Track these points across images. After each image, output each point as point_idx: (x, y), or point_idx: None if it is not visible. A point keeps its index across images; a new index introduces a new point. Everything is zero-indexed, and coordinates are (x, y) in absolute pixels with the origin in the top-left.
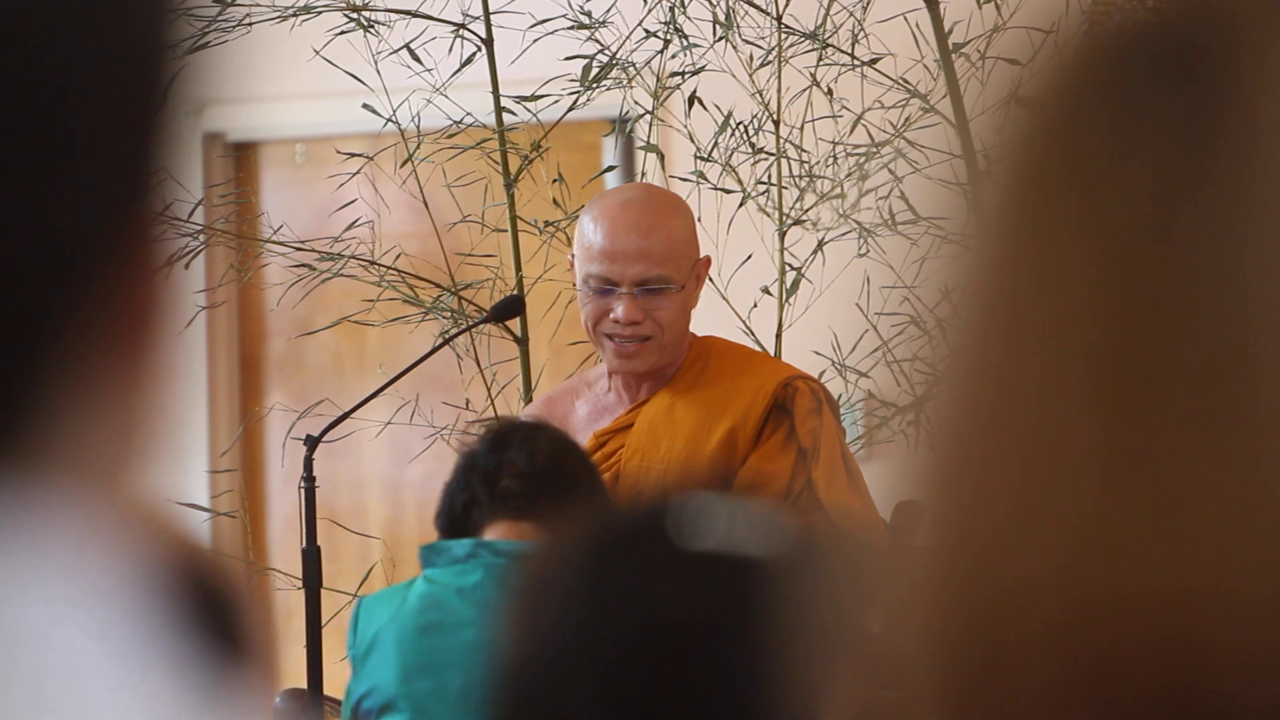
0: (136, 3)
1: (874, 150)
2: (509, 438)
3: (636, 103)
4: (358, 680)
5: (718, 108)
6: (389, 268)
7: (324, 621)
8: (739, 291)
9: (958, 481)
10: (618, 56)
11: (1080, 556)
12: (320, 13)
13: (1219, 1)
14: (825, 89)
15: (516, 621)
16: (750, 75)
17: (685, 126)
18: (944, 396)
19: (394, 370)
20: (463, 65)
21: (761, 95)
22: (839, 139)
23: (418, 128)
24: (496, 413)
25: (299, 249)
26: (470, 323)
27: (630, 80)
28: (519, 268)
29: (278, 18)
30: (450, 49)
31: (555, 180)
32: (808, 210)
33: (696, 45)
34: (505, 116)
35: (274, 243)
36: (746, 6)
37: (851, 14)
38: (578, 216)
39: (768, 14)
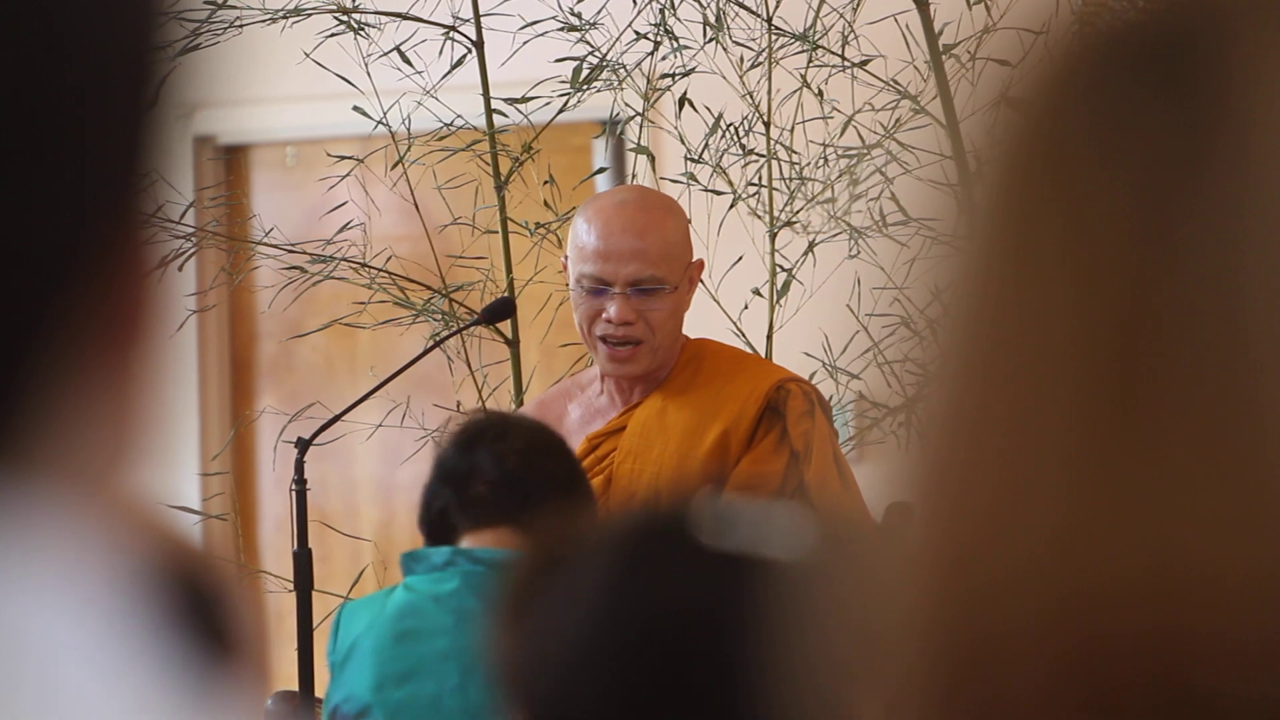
0: (127, 5)
1: (864, 152)
2: (478, 439)
3: (627, 104)
4: (335, 686)
5: (708, 109)
6: (380, 270)
7: (315, 624)
8: (730, 293)
9: (943, 476)
10: (608, 58)
11: (1065, 549)
12: (310, 15)
13: (1210, 1)
14: (816, 90)
15: (526, 626)
16: (740, 77)
17: (676, 128)
18: (932, 396)
19: (385, 373)
20: (453, 67)
21: (752, 97)
22: (829, 140)
23: (408, 130)
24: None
25: (290, 251)
26: (461, 325)
27: (621, 82)
28: (510, 270)
29: (268, 20)
30: (440, 51)
31: (546, 182)
32: (798, 212)
33: (687, 47)
34: (496, 118)
35: (265, 245)
36: (736, 8)
37: (842, 15)
38: (569, 218)
39: (758, 15)
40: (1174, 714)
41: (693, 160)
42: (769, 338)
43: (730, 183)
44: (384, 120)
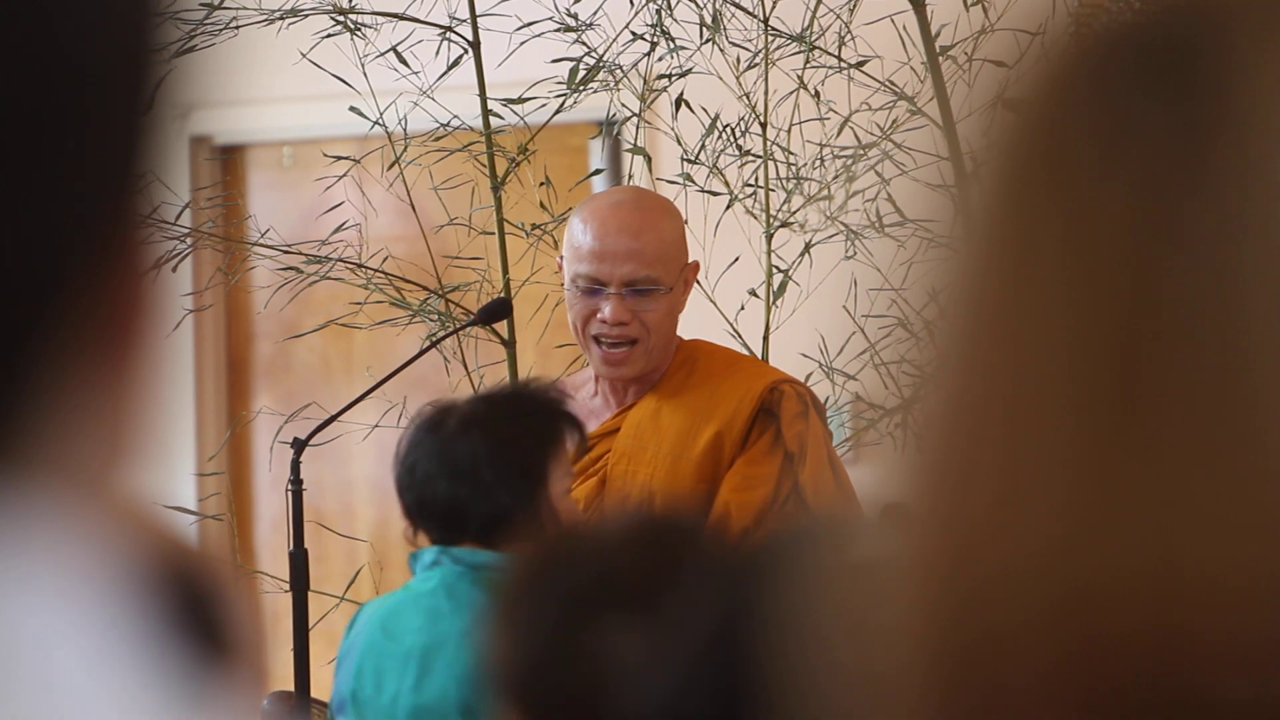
0: (123, 6)
1: (861, 152)
2: (410, 443)
3: (623, 105)
4: (335, 680)
5: (705, 110)
6: (376, 270)
7: (311, 624)
8: (726, 294)
9: (941, 476)
10: (604, 59)
11: (1064, 548)
12: (307, 15)
13: (1207, 2)
14: (812, 91)
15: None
16: (737, 77)
17: (672, 129)
18: (930, 396)
19: (381, 373)
20: (450, 68)
21: (748, 97)
22: (826, 141)
23: (405, 130)
24: None
25: (286, 252)
26: (457, 325)
27: (617, 83)
28: (506, 270)
29: (264, 21)
30: (437, 52)
31: (542, 183)
32: (795, 212)
33: (683, 48)
34: (492, 119)
35: (261, 246)
36: (733, 9)
37: (838, 16)
38: (565, 219)
39: (754, 16)
40: (1171, 714)
41: (689, 161)
42: (765, 339)
43: (727, 183)
44: (380, 121)
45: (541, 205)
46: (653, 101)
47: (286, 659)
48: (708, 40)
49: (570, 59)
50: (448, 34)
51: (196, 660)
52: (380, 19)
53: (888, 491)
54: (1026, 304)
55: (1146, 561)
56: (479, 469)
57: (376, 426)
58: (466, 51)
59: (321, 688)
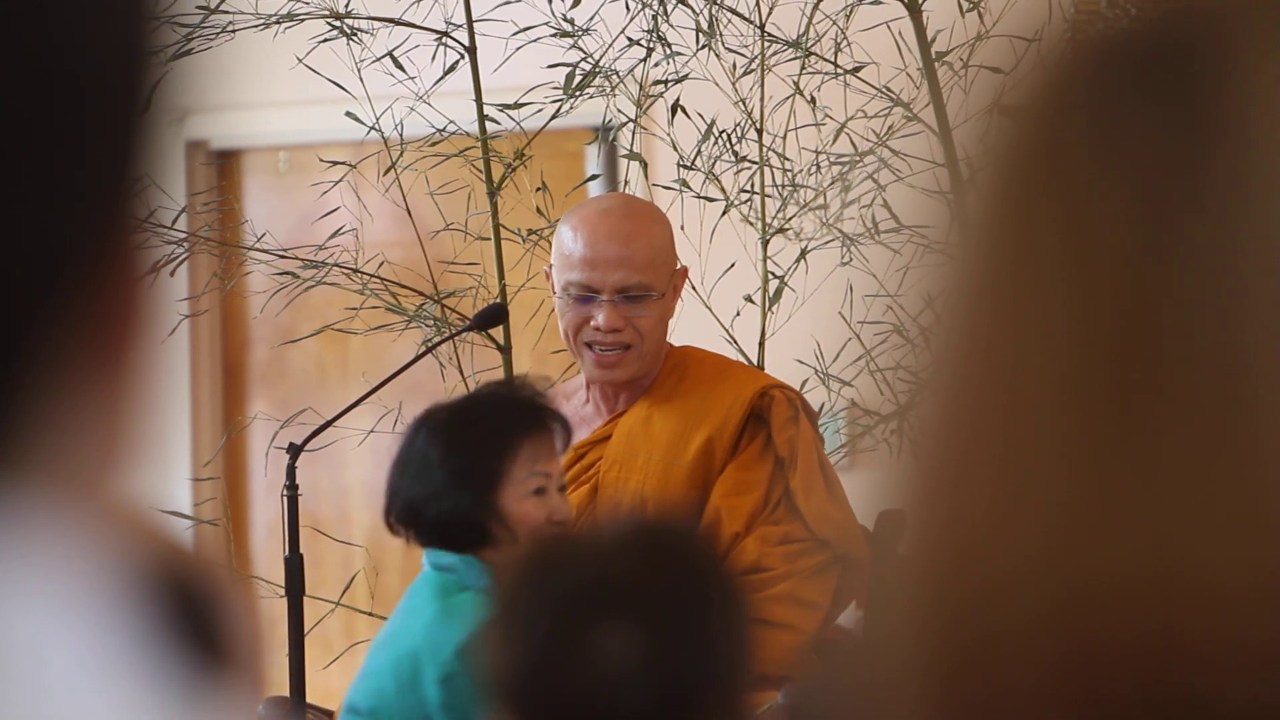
0: (119, 9)
1: (857, 159)
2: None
3: (619, 111)
4: None
5: (701, 116)
6: (372, 276)
7: (306, 630)
8: (722, 300)
9: (938, 480)
10: (600, 65)
11: (1061, 551)
12: (303, 20)
13: (1205, 8)
14: (808, 97)
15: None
16: (733, 83)
17: (668, 135)
18: (926, 403)
19: (377, 379)
20: (446, 73)
21: (744, 103)
22: (822, 147)
23: (401, 136)
24: None
25: (282, 257)
26: (453, 331)
27: (613, 88)
28: (502, 276)
29: (261, 25)
30: (433, 57)
31: (538, 189)
32: (791, 219)
33: (679, 53)
34: (488, 125)
35: (257, 251)
36: (729, 15)
37: (834, 22)
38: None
39: (750, 22)
40: (1168, 716)
41: (685, 167)
42: (761, 345)
43: (723, 189)
44: (376, 126)
45: (538, 210)
46: (649, 107)
47: (282, 664)
48: (704, 46)
49: (566, 64)
50: (444, 39)
51: (193, 665)
52: (376, 24)
53: (884, 497)
54: (1023, 310)
55: (1143, 565)
56: (431, 471)
57: (372, 432)
58: (463, 57)
59: (316, 693)
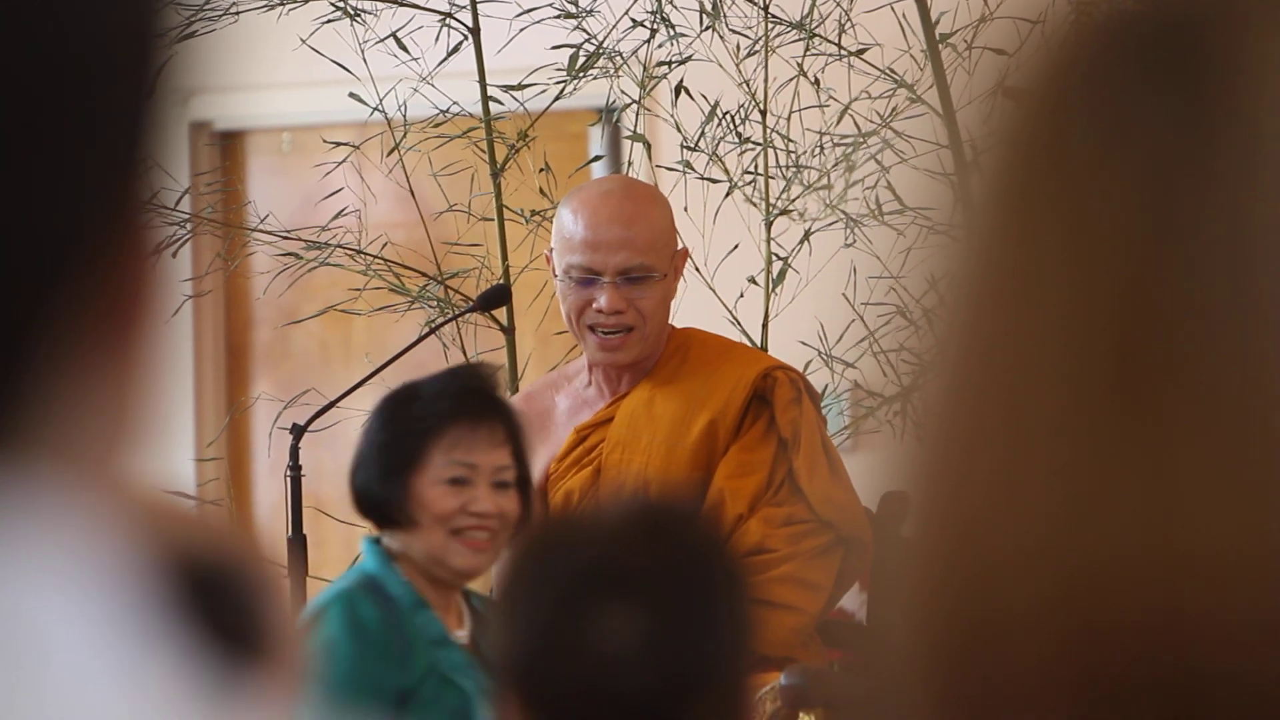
0: None
1: (861, 140)
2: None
3: (623, 92)
4: None
5: (704, 97)
6: (375, 257)
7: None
8: (725, 282)
9: (941, 461)
10: (604, 46)
11: (1063, 532)
12: (307, 1)
13: None
14: (812, 79)
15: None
16: (737, 65)
17: (672, 116)
18: (929, 384)
19: (380, 359)
20: (449, 54)
21: (748, 85)
22: (826, 129)
23: (404, 117)
24: None
25: (285, 238)
26: (456, 312)
27: (617, 70)
28: (505, 257)
29: (265, 6)
30: (437, 38)
31: (542, 170)
32: (794, 200)
33: (683, 34)
34: (492, 106)
35: (260, 231)
36: None
37: (838, 4)
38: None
39: (754, 3)
40: (1171, 694)
41: (689, 148)
42: (764, 326)
43: (726, 171)
44: (380, 107)
45: (541, 192)
46: (652, 88)
47: None
48: (707, 27)
49: (570, 45)
50: (447, 20)
51: (215, 649)
52: (380, 5)
53: (887, 479)
54: (1026, 291)
55: (1145, 545)
56: (363, 444)
57: None
58: (466, 38)
59: None
